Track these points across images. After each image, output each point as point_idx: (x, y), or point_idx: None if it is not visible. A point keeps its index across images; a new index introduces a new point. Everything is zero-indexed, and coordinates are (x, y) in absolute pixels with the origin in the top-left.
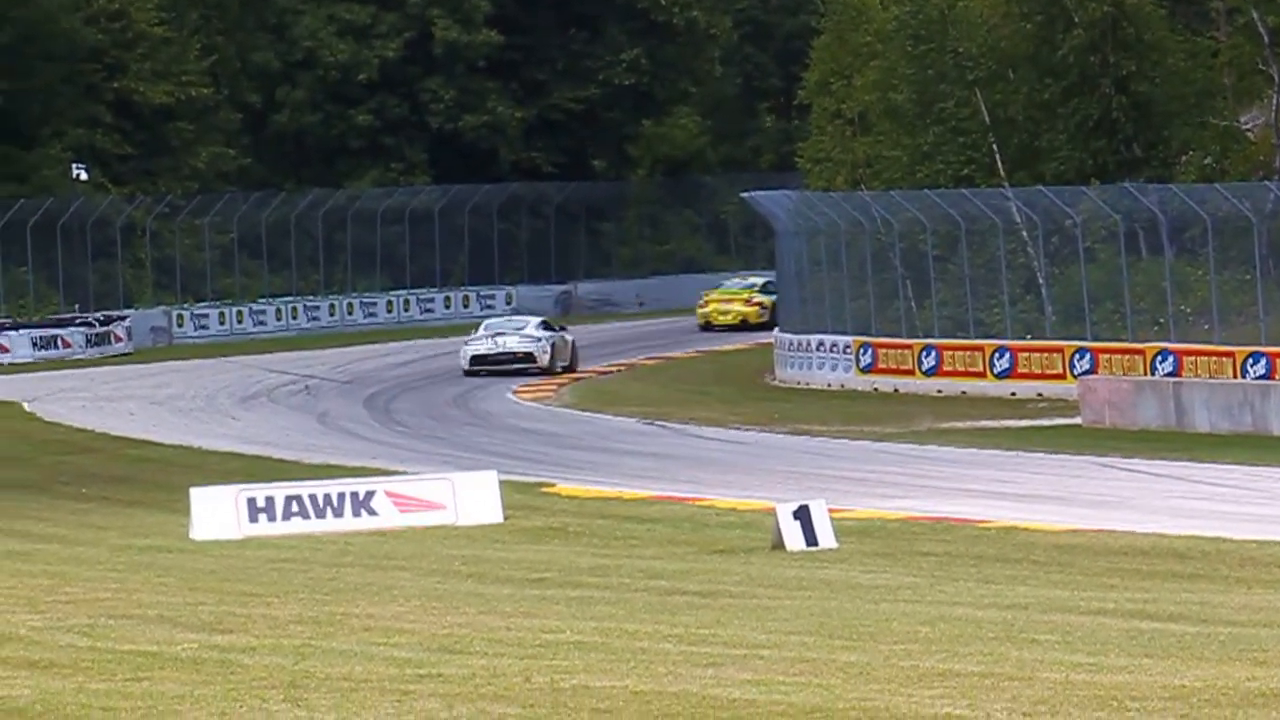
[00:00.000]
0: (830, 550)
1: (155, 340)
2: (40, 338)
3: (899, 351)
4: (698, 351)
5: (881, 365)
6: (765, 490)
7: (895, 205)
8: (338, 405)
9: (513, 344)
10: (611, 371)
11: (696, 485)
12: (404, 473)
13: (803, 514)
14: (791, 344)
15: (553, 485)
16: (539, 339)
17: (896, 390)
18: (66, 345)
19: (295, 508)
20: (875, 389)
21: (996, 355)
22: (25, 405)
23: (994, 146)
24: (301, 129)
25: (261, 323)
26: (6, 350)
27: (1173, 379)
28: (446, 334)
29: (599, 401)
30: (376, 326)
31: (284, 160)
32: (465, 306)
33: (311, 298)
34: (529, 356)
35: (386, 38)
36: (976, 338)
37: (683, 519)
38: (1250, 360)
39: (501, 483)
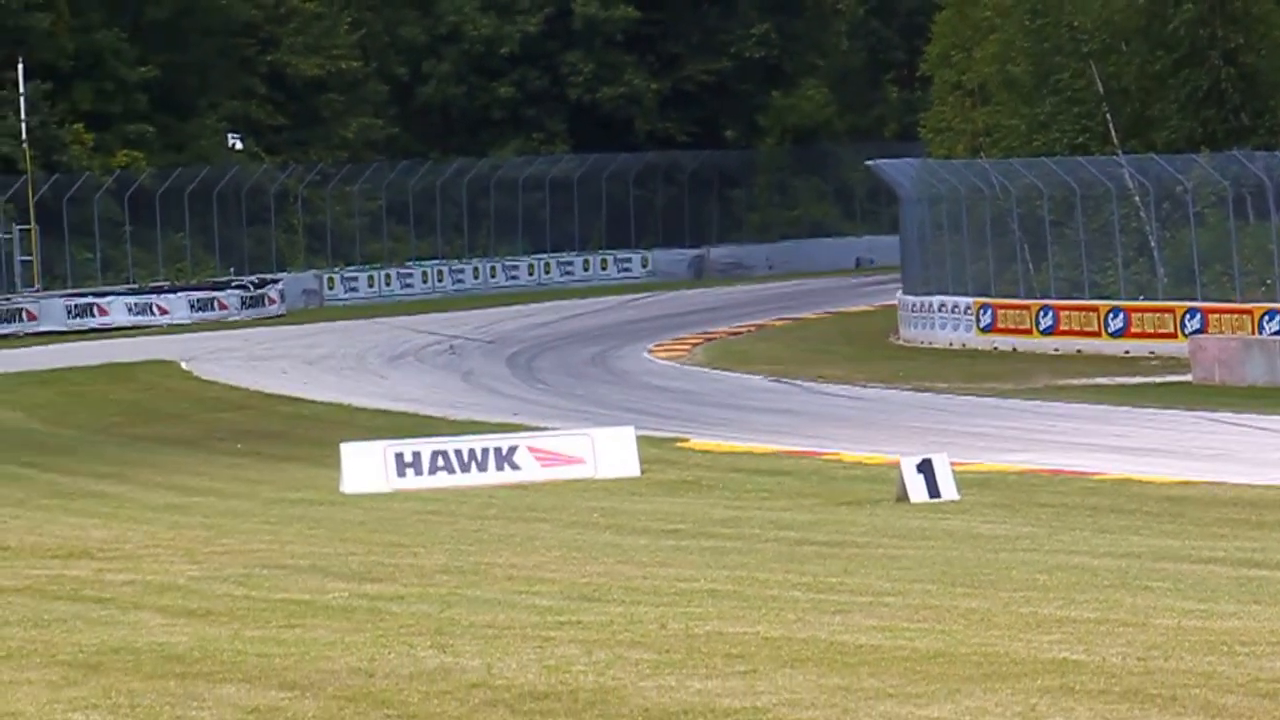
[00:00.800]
0: (952, 502)
1: (307, 302)
2: (197, 300)
3: (1017, 312)
4: (825, 313)
5: (1000, 325)
6: (890, 445)
7: (1013, 172)
8: (481, 364)
9: None
10: (743, 332)
11: (824, 440)
12: (545, 428)
13: (926, 467)
14: (915, 305)
15: (687, 440)
16: None
17: (1015, 349)
18: (223, 307)
19: (441, 462)
20: (995, 348)
21: (1111, 315)
22: (183, 364)
23: (1107, 116)
24: (446, 100)
25: (408, 285)
26: (166, 312)
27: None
28: (585, 295)
29: (730, 360)
30: (518, 289)
31: (430, 130)
32: (603, 269)
33: (456, 261)
34: None
35: (528, 13)
36: (1091, 298)
37: (811, 472)
38: None
39: (638, 438)
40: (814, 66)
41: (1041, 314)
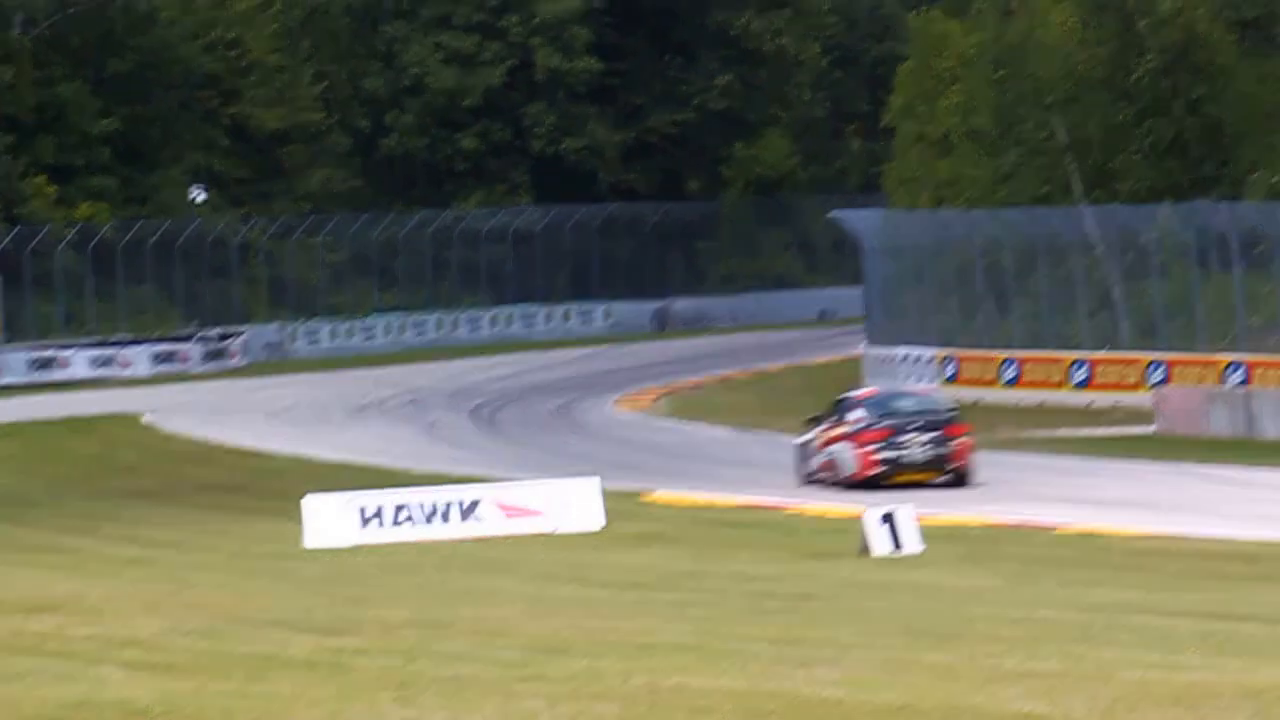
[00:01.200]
0: (916, 554)
1: (270, 355)
2: (159, 353)
3: (981, 363)
4: (789, 365)
5: (965, 376)
6: (853, 497)
7: (977, 223)
8: (445, 416)
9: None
10: (706, 384)
11: (788, 493)
12: (509, 481)
13: (889, 519)
14: (879, 357)
15: (651, 493)
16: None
17: (979, 401)
18: (185, 360)
19: (404, 515)
20: (959, 399)
21: (1075, 367)
22: (145, 418)
23: (1071, 166)
24: (409, 152)
25: (371, 338)
26: (127, 365)
27: (1243, 389)
28: (548, 347)
29: (694, 412)
30: (481, 341)
31: (393, 182)
32: (566, 321)
33: (419, 313)
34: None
35: (491, 65)
36: (1055, 350)
37: (775, 525)
38: None
39: (603, 491)
40: (776, 118)
41: (1005, 365)
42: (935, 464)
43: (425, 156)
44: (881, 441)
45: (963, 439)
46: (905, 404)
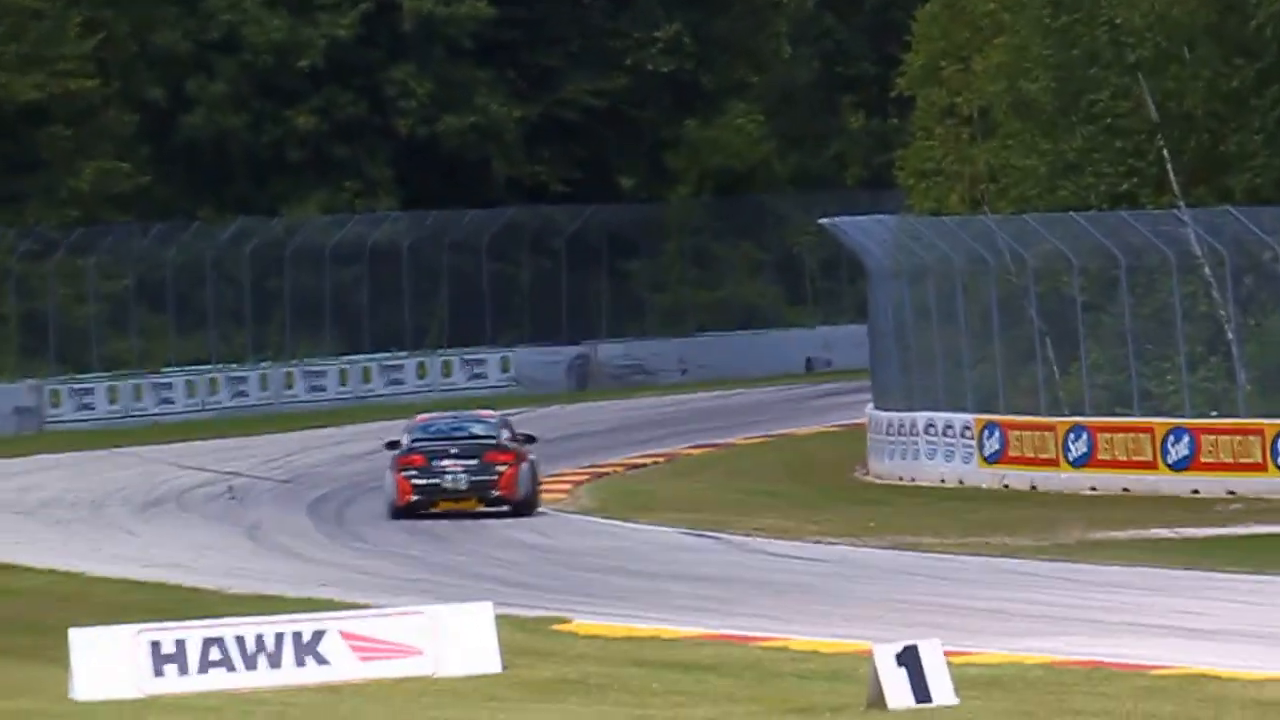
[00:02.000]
0: (948, 708)
1: (21, 426)
2: None
3: (1037, 434)
4: (764, 436)
5: (1013, 453)
6: (857, 626)
7: (1030, 234)
8: (273, 513)
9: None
10: (646, 464)
11: (763, 619)
12: (365, 606)
13: (909, 658)
14: (890, 425)
15: (567, 620)
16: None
17: (1034, 487)
18: None
19: (216, 655)
20: (1005, 485)
21: (1170, 439)
22: None
23: (1164, 153)
24: (221, 135)
25: (168, 400)
26: None
27: None
28: (421, 412)
29: (630, 506)
30: (325, 405)
31: (197, 179)
32: (446, 376)
33: (235, 366)
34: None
35: (338, 10)
36: (1143, 415)
37: (745, 666)
38: None
39: (498, 618)
40: (745, 85)
41: (1071, 437)
42: (477, 491)
43: (244, 141)
44: (417, 468)
45: (506, 467)
46: (445, 427)
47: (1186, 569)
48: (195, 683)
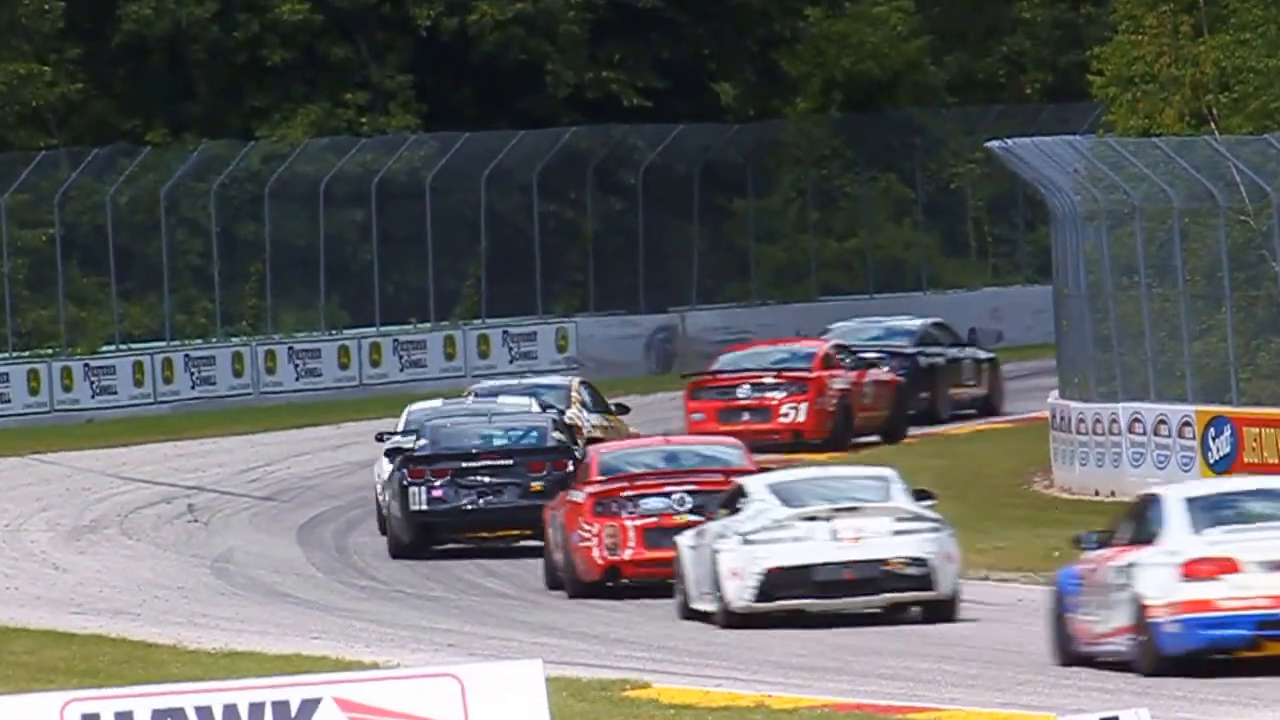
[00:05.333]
0: None
1: None
2: None
3: None
4: (909, 436)
5: (1249, 458)
6: (1038, 693)
7: (1274, 161)
8: (249, 540)
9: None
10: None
11: (909, 683)
12: (371, 665)
13: None
14: (1082, 420)
15: (644, 685)
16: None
17: None
18: None
19: None
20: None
21: None
22: None
23: None
24: (176, 29)
25: (107, 389)
26: None
27: None
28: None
29: None
30: (319, 394)
31: (145, 89)
32: (483, 355)
33: (199, 342)
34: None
35: None
36: None
37: None
38: None
39: (550, 680)
40: None
41: None
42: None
43: (208, 38)
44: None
45: None
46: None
47: None
48: None
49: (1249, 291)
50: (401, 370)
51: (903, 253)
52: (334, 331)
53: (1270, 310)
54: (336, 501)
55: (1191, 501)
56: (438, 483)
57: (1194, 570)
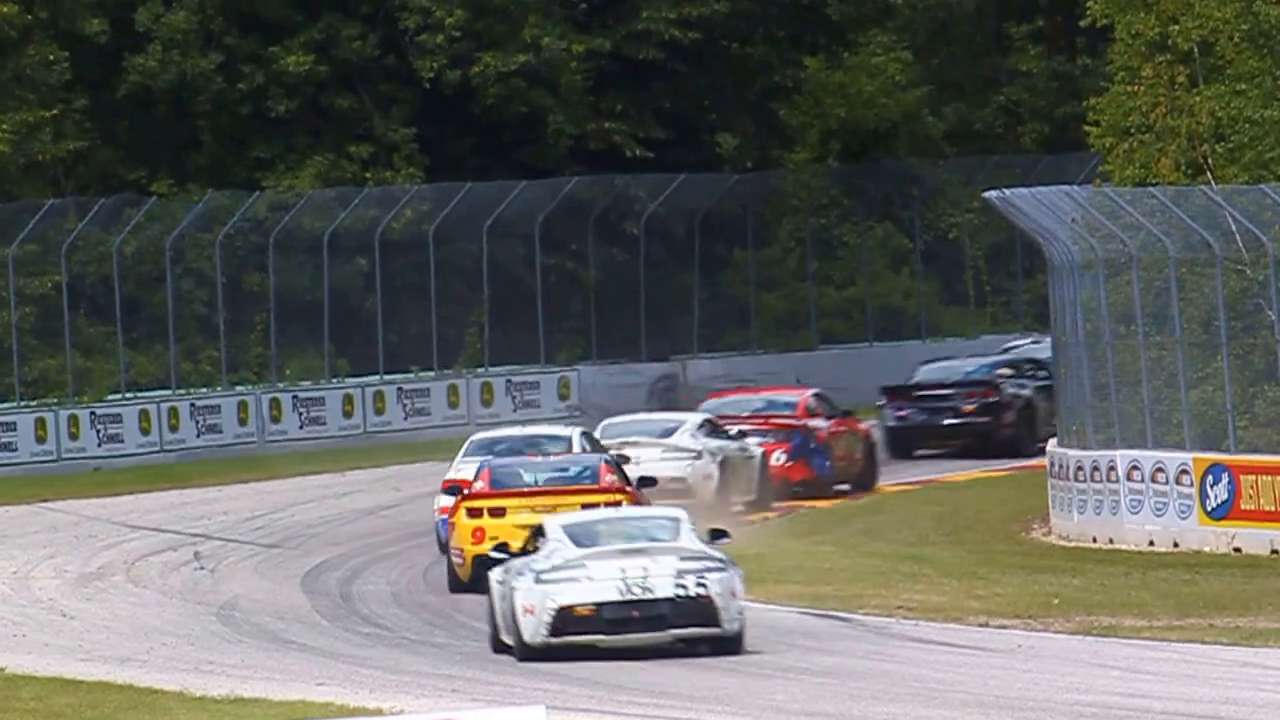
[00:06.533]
0: None
1: None
2: None
3: (1279, 480)
4: (909, 482)
5: (1246, 505)
6: None
7: (1270, 211)
8: (254, 587)
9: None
10: (753, 521)
11: None
12: (376, 712)
13: None
14: (1080, 468)
15: None
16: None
17: (1275, 550)
18: None
19: None
20: (1236, 548)
21: None
22: None
23: None
24: (183, 81)
25: (114, 437)
26: None
27: None
28: (452, 451)
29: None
30: (324, 442)
31: (150, 140)
32: (487, 403)
33: (204, 391)
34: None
35: None
36: None
37: None
38: None
39: None
40: (887, 9)
41: None
42: None
43: (214, 90)
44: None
45: None
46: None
47: None
48: None
49: (1245, 340)
50: (405, 419)
51: (902, 301)
52: (338, 380)
53: (1267, 359)
54: (341, 549)
55: None
56: None
57: None
